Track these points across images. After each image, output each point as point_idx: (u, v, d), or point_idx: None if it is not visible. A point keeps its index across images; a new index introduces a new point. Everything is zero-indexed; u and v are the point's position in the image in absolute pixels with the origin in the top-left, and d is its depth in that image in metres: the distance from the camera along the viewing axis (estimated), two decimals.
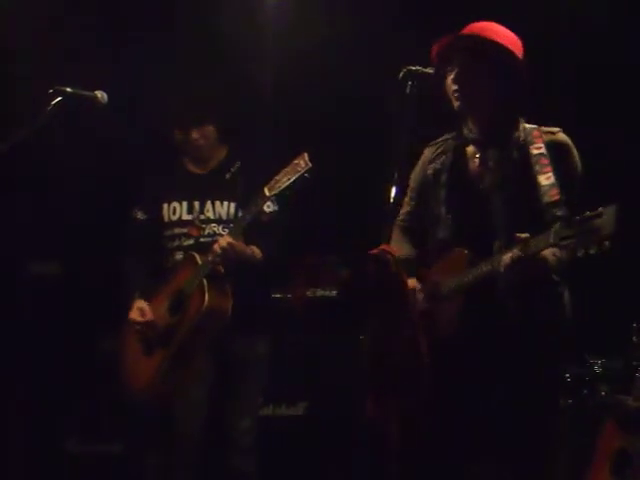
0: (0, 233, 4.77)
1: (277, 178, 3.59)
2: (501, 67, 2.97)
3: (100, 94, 3.46)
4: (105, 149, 5.00)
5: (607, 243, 2.55)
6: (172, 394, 3.81)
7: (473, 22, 3.06)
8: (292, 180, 3.56)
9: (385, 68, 3.23)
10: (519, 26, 3.01)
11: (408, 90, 2.86)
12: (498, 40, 2.97)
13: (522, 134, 3.00)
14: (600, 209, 2.58)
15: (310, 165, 3.54)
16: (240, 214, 3.81)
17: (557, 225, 2.66)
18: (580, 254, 2.59)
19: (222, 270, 3.70)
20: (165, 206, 3.95)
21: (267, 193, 3.59)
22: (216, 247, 3.66)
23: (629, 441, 3.71)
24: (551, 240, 2.67)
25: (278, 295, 4.77)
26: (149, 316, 3.80)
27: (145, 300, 3.85)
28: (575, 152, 2.98)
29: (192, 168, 4.00)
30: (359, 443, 4.39)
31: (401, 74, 2.88)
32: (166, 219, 3.94)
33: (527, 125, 3.03)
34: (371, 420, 2.90)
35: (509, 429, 2.94)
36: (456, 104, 3.01)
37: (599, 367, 4.29)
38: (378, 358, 2.77)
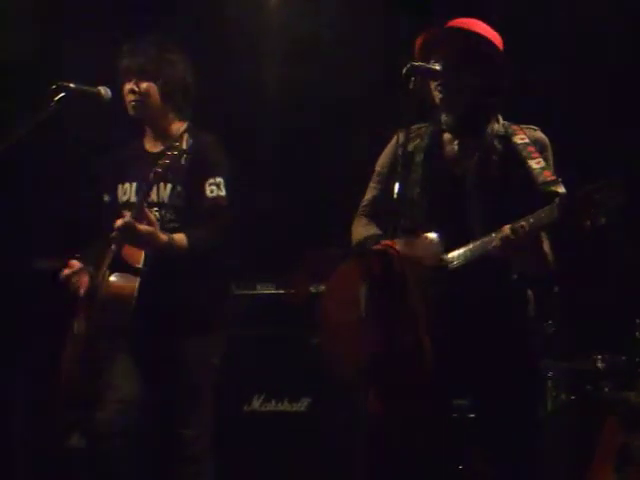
0: (1, 229, 4.78)
1: (159, 162, 3.44)
2: (488, 63, 3.00)
3: (104, 90, 3.45)
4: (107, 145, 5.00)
5: (616, 213, 2.57)
6: (90, 387, 3.62)
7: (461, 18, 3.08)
8: (170, 162, 3.43)
9: (388, 65, 3.23)
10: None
11: (411, 86, 2.85)
12: (487, 36, 3.01)
13: (501, 127, 3.04)
14: (604, 181, 2.62)
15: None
16: (175, 196, 3.61)
17: (559, 199, 2.68)
18: (587, 226, 2.62)
19: (133, 263, 3.51)
20: (120, 187, 3.74)
21: (150, 178, 3.44)
22: (116, 224, 3.44)
23: (632, 437, 3.72)
24: (556, 213, 2.67)
25: (281, 291, 4.77)
26: (77, 266, 3.66)
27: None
28: (551, 151, 3.01)
29: (149, 147, 3.77)
30: (361, 440, 4.39)
31: (404, 70, 2.87)
32: (119, 201, 3.73)
33: (504, 121, 3.07)
34: (373, 418, 2.89)
35: (493, 428, 2.97)
36: (438, 95, 3.02)
37: (602, 363, 4.29)
38: (381, 356, 2.76)
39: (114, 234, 3.46)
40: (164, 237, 3.45)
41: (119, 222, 3.42)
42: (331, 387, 4.38)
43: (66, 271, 3.70)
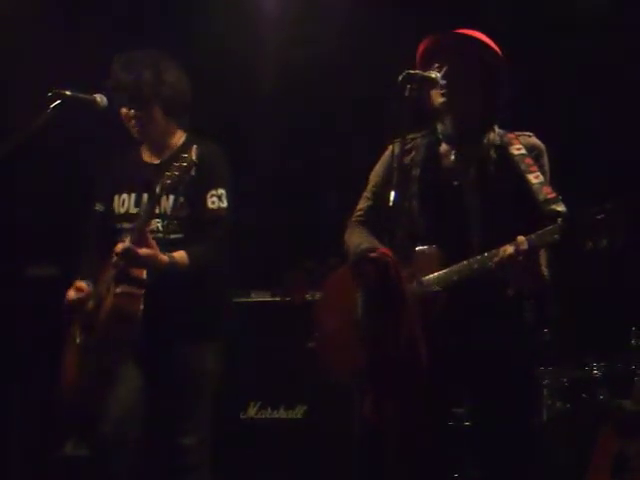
0: None
1: (168, 174, 3.36)
2: (491, 71, 3.02)
3: (99, 97, 3.44)
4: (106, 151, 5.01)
5: (618, 237, 2.57)
6: (95, 397, 3.61)
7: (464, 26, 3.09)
8: (180, 174, 3.34)
9: (385, 71, 3.23)
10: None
11: (407, 93, 2.86)
12: (489, 43, 3.03)
13: (497, 136, 3.04)
14: (607, 203, 2.61)
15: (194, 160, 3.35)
16: (177, 207, 3.56)
17: (562, 220, 2.68)
18: (589, 248, 2.62)
19: (138, 275, 3.47)
20: (116, 198, 3.68)
21: (157, 190, 3.37)
22: (116, 249, 3.42)
23: (627, 445, 3.72)
24: (557, 234, 2.67)
25: (277, 298, 4.77)
26: (86, 291, 3.61)
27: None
28: (546, 156, 3.01)
29: (147, 157, 3.73)
30: (358, 445, 4.39)
31: (400, 77, 2.87)
32: (116, 212, 3.67)
33: (499, 129, 3.08)
34: (369, 421, 2.90)
35: (489, 435, 2.98)
36: (439, 100, 3.02)
37: (598, 371, 4.29)
38: (377, 360, 2.76)
39: (114, 260, 3.45)
40: (165, 258, 3.43)
41: (119, 247, 3.40)
42: (327, 393, 4.40)
43: (72, 295, 3.65)
